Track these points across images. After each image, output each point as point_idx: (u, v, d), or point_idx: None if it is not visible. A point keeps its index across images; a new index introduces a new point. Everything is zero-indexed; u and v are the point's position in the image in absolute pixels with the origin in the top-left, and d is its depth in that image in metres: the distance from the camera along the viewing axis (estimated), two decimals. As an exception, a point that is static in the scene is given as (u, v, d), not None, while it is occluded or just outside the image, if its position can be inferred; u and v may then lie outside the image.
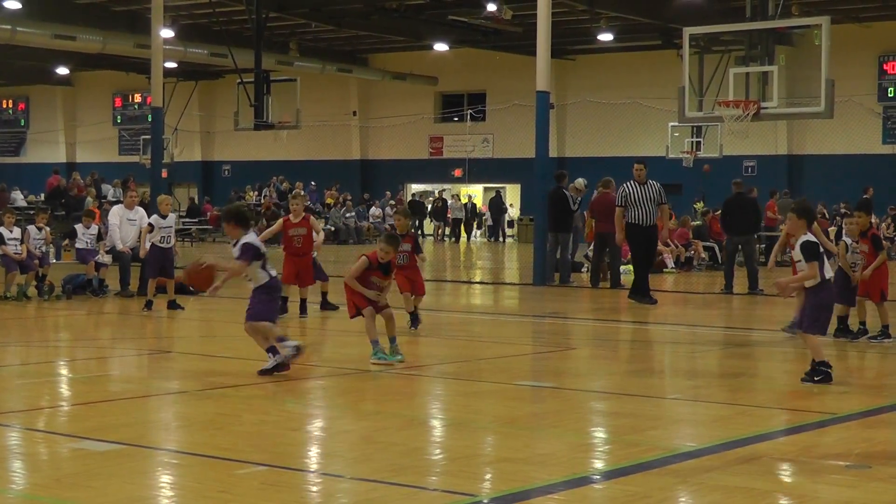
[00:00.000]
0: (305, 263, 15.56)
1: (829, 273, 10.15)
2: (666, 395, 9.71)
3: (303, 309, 15.60)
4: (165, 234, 16.60)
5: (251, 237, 10.38)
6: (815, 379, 10.00)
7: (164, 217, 16.75)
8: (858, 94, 36.04)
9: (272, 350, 10.29)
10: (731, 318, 17.60)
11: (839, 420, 8.53)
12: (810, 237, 10.04)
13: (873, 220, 13.75)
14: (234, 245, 10.40)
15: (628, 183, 18.21)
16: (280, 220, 16.06)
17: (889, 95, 40.52)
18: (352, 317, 11.44)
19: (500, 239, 46.55)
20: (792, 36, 24.28)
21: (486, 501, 6.16)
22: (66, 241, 26.41)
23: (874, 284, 13.15)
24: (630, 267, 24.03)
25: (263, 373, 10.19)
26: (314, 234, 15.74)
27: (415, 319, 13.98)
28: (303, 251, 15.51)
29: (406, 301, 13.92)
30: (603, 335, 14.60)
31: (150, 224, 16.80)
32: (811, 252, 9.91)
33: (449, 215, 46.49)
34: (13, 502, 6.13)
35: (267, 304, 10.43)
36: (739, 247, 21.38)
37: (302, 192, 30.49)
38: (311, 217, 16.18)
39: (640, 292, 18.16)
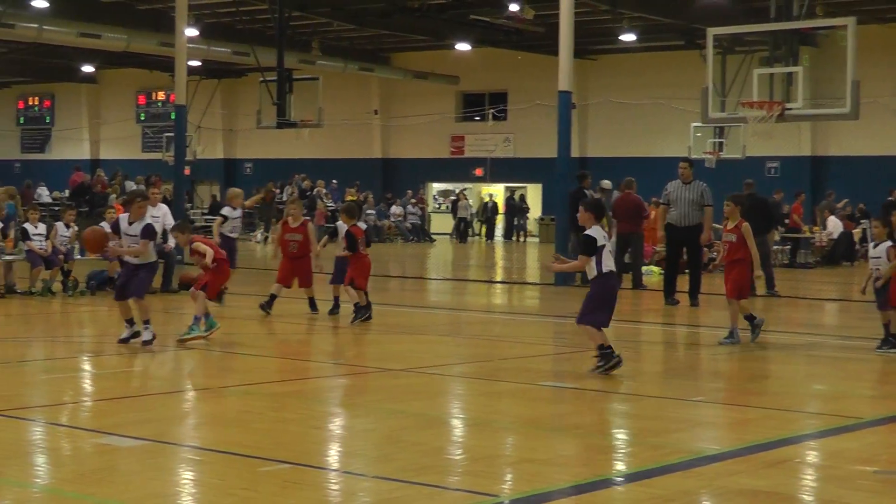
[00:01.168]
0: (303, 266, 15.59)
1: (610, 267, 10.43)
2: (689, 397, 9.68)
3: (312, 306, 15.66)
4: (234, 224, 17.43)
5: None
6: (600, 365, 10.37)
7: (234, 209, 17.48)
8: (883, 96, 35.80)
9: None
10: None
11: (867, 425, 8.47)
12: (593, 232, 10.37)
13: None
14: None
15: (672, 182, 18.08)
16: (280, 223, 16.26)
17: (913, 97, 40.29)
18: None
19: (516, 239, 46.51)
20: (816, 37, 24.16)
21: (507, 502, 6.14)
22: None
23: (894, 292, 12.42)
24: (653, 268, 24.05)
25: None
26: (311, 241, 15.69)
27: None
28: (299, 255, 15.56)
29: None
30: (624, 336, 14.53)
31: (222, 216, 17.46)
32: (586, 246, 10.40)
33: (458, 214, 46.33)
34: (37, 497, 6.15)
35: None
36: None
37: (297, 196, 30.16)
38: (310, 224, 16.30)
39: (666, 293, 18.10)
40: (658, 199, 23.52)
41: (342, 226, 15.25)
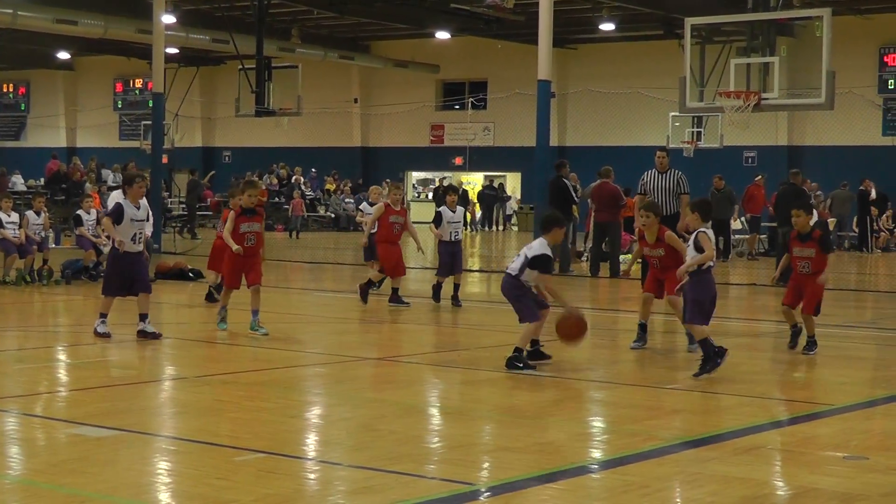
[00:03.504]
0: (255, 263, 12.79)
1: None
2: (665, 384, 9.72)
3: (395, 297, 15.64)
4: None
5: None
6: (518, 365, 10.10)
7: (372, 205, 17.59)
8: (859, 86, 35.95)
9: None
10: (732, 308, 17.58)
11: (837, 411, 8.54)
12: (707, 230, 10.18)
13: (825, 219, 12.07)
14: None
15: (649, 171, 17.98)
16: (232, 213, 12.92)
17: (889, 87, 40.44)
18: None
19: (496, 227, 46.56)
20: (793, 27, 24.25)
21: (484, 490, 6.16)
22: (67, 228, 26.40)
23: (813, 296, 11.46)
24: (630, 256, 24.09)
25: None
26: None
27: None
28: (254, 251, 12.77)
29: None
30: (602, 324, 14.59)
31: (360, 210, 18.31)
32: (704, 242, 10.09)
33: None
34: (10, 488, 6.13)
35: None
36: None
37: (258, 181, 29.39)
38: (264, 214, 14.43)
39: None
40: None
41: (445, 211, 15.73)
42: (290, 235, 38.41)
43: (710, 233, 10.41)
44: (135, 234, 11.82)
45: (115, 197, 19.21)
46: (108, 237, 18.71)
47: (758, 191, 30.32)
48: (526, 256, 10.32)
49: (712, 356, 9.84)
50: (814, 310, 11.47)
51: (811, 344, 11.56)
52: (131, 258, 11.75)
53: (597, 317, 15.53)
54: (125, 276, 11.76)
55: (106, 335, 11.68)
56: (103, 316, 11.81)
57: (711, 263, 10.17)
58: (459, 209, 16.21)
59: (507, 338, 13.09)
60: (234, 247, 12.28)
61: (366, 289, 15.81)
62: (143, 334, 11.70)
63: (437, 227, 15.89)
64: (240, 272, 12.56)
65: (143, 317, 11.79)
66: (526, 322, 10.37)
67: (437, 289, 15.96)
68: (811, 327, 11.56)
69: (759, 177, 30.77)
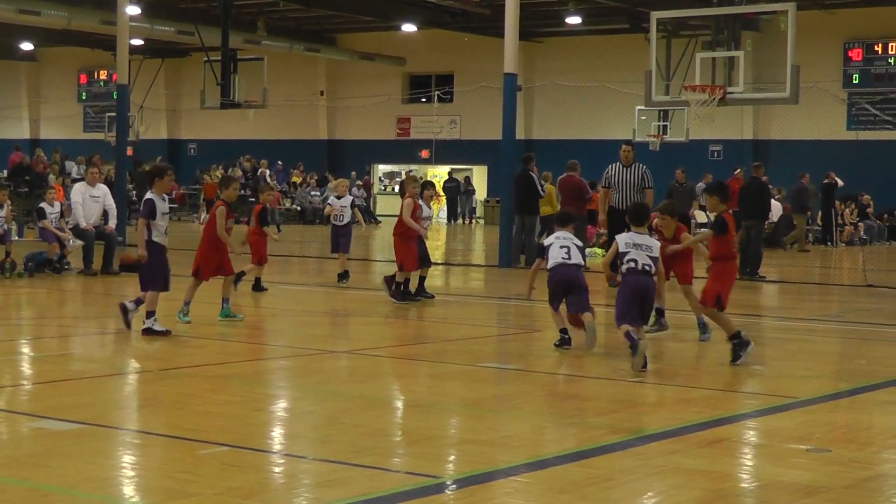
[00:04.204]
0: (228, 255, 12.94)
1: None
2: (628, 377, 9.75)
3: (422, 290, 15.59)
4: (339, 213, 17.71)
5: None
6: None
7: (339, 198, 17.91)
8: (823, 81, 36.18)
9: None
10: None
11: (801, 404, 8.59)
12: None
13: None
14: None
15: (613, 164, 17.97)
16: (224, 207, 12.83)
17: (854, 82, 40.74)
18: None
19: (462, 221, 46.58)
20: (758, 21, 24.31)
21: (449, 483, 6.16)
22: (30, 220, 26.19)
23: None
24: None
25: None
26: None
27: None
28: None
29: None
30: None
31: (328, 204, 18.24)
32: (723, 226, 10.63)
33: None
34: (-28, 481, 6.07)
35: None
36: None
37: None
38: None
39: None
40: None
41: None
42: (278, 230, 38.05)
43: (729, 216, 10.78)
44: (165, 228, 11.63)
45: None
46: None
47: (737, 185, 30.27)
48: (578, 247, 11.03)
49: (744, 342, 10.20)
50: (709, 299, 10.62)
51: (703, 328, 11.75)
52: (160, 248, 11.55)
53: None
54: (167, 268, 11.66)
55: (165, 332, 11.37)
56: (152, 314, 11.40)
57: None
58: (433, 206, 16.23)
59: (471, 331, 13.12)
60: (239, 250, 13.39)
61: (398, 287, 15.46)
62: (149, 332, 11.42)
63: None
64: (216, 265, 12.65)
65: (150, 314, 11.45)
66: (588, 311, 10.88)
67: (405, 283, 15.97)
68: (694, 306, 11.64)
69: (739, 170, 30.63)
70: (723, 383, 9.63)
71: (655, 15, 20.75)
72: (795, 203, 31.92)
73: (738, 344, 10.19)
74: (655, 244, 10.30)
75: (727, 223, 10.62)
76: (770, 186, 32.82)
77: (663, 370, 10.26)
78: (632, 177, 17.57)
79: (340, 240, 17.69)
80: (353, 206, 18.14)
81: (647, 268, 10.05)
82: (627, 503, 5.85)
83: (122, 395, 8.92)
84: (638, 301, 10.05)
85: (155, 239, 11.47)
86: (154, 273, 11.52)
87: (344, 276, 17.58)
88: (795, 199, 31.95)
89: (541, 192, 22.54)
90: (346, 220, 17.75)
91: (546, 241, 11.42)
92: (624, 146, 18.01)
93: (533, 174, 22.37)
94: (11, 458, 6.55)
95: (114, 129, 32.59)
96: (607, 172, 17.96)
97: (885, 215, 38.88)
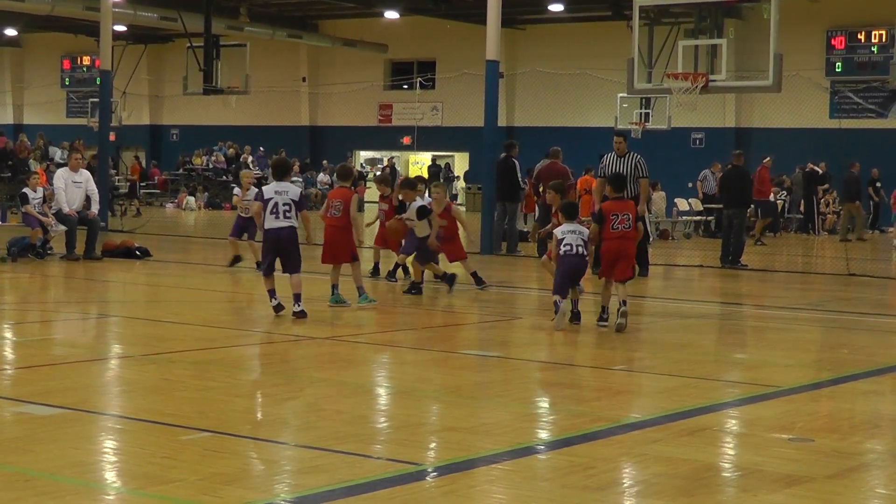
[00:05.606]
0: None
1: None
2: (611, 365, 9.78)
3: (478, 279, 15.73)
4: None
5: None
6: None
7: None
8: (806, 69, 36.22)
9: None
10: (682, 290, 17.72)
11: (783, 393, 8.62)
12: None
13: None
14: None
15: (608, 154, 18.10)
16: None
17: (836, 70, 40.84)
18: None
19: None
20: (741, 9, 24.30)
21: (430, 470, 6.17)
22: (13, 206, 26.06)
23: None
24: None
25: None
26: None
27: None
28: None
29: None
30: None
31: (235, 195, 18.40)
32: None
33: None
34: (-47, 467, 6.06)
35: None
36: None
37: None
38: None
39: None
40: (591, 166, 23.72)
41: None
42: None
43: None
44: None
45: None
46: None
47: (766, 173, 30.00)
48: (584, 241, 11.81)
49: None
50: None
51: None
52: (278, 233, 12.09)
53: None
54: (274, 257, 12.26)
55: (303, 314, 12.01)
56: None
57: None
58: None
59: (452, 318, 13.12)
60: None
61: (476, 276, 15.63)
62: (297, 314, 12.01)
63: (418, 220, 15.75)
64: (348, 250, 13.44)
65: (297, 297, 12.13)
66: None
67: (394, 268, 16.21)
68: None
69: (768, 158, 30.29)
70: (704, 372, 9.66)
71: (638, 2, 20.72)
72: (846, 193, 31.57)
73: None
74: (585, 231, 11.91)
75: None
76: (771, 176, 32.96)
77: (643, 358, 10.30)
78: (626, 166, 17.73)
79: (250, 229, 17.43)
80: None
81: (579, 250, 11.74)
82: (609, 491, 5.87)
83: (105, 380, 8.90)
84: (570, 277, 11.89)
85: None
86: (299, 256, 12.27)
87: (237, 260, 17.63)
88: (846, 188, 31.62)
89: (521, 183, 22.56)
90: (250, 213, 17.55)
91: (559, 233, 11.98)
92: (616, 138, 18.19)
93: (515, 161, 22.37)
94: (-7, 443, 6.54)
95: (97, 114, 32.49)
96: (602, 161, 18.13)
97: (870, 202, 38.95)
